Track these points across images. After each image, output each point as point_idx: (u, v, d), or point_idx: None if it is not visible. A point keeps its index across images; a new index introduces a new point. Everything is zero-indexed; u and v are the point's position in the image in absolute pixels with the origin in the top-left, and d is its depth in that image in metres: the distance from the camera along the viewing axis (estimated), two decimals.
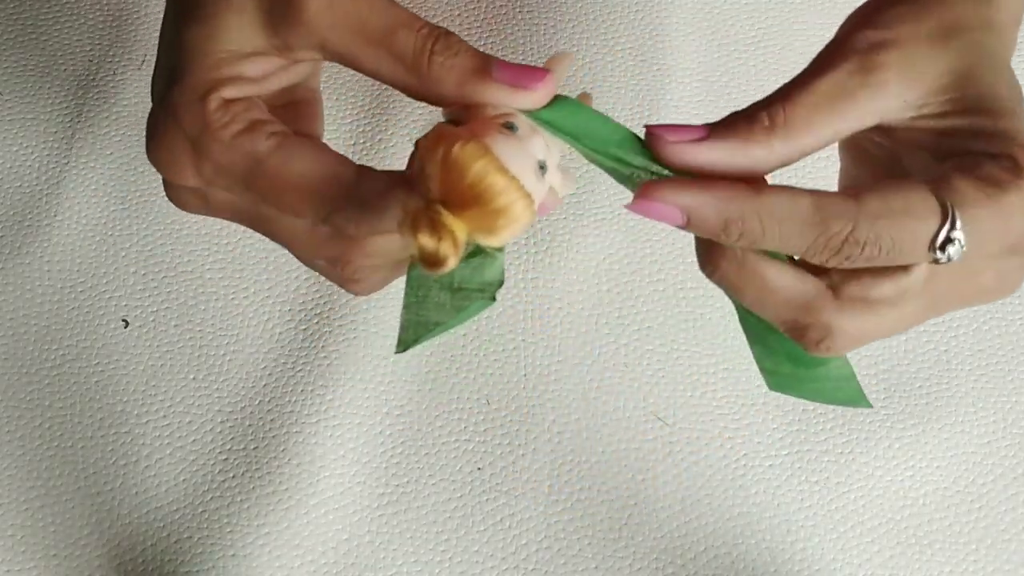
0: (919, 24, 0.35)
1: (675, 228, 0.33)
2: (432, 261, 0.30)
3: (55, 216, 0.56)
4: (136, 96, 0.59)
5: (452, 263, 0.30)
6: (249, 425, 0.51)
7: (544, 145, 0.33)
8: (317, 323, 0.53)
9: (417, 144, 0.31)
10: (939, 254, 0.32)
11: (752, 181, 0.33)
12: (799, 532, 0.49)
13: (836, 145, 0.39)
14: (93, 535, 0.49)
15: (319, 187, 0.35)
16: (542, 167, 0.32)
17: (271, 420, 0.51)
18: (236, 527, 0.48)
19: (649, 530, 0.49)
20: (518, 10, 0.62)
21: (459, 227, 0.30)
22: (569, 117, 0.35)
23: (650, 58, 0.60)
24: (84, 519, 0.49)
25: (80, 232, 0.55)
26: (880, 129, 0.35)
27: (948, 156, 0.34)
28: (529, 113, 0.34)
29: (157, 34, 0.60)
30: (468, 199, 0.30)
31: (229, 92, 0.35)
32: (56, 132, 0.58)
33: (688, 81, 0.60)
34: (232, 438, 0.51)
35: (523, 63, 0.34)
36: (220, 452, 0.50)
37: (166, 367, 0.52)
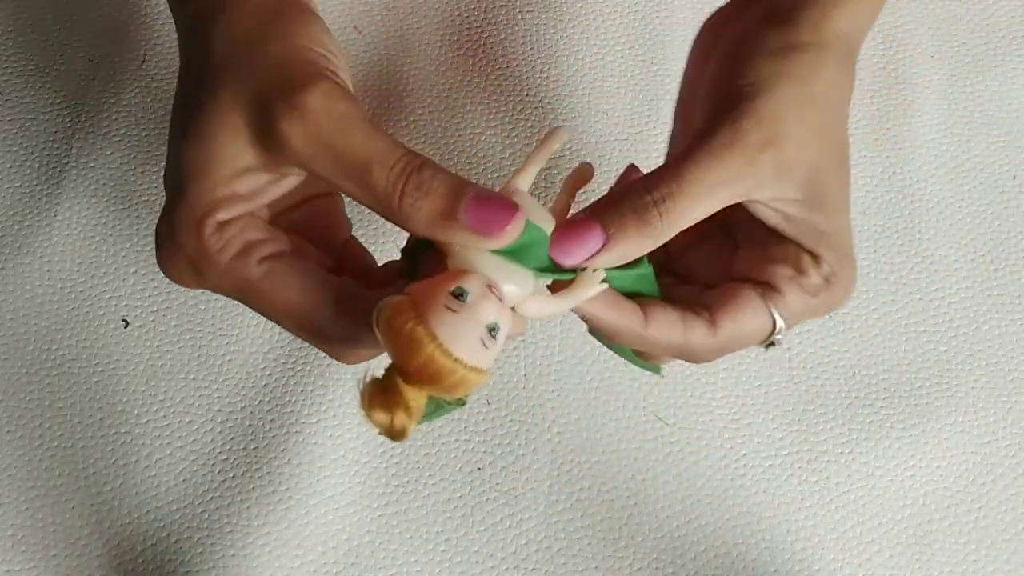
0: (802, 88, 0.38)
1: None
2: (389, 434, 0.33)
3: (55, 216, 0.56)
4: (136, 96, 0.59)
5: (408, 430, 0.33)
6: (249, 425, 0.51)
7: (496, 308, 0.34)
8: None
9: (376, 312, 0.34)
10: (762, 347, 0.41)
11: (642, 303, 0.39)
12: (799, 532, 0.49)
13: None
14: (93, 535, 0.49)
15: (300, 318, 0.38)
16: (492, 331, 0.34)
17: (271, 420, 0.51)
18: (236, 527, 0.48)
19: (649, 530, 0.49)
20: (518, 10, 0.62)
21: (415, 396, 0.33)
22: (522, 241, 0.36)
23: (650, 58, 0.60)
24: (84, 519, 0.49)
25: (80, 232, 0.55)
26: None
27: (780, 239, 0.39)
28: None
29: (157, 34, 0.61)
30: (422, 377, 0.33)
31: (224, 214, 0.38)
32: (56, 132, 0.58)
33: None
34: (232, 438, 0.51)
35: (495, 195, 0.36)
36: (220, 452, 0.50)
37: (166, 367, 0.52)
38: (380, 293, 0.36)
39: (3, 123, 0.59)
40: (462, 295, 0.33)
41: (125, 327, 0.53)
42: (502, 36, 0.61)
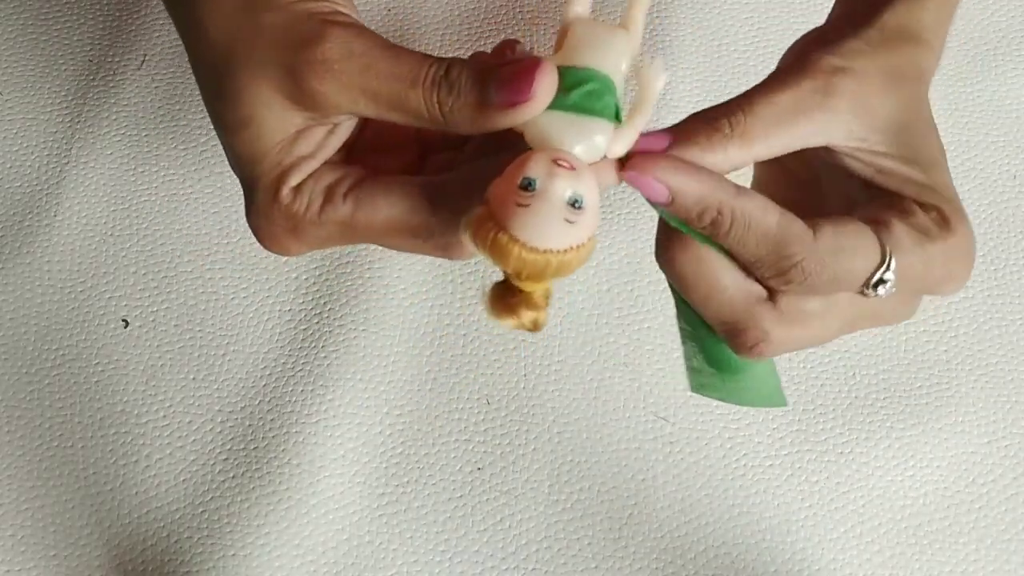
0: (874, 62, 0.37)
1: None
2: (528, 330, 0.34)
3: (55, 216, 0.56)
4: (136, 96, 0.59)
5: (541, 322, 0.34)
6: (249, 425, 0.51)
7: (568, 181, 0.33)
8: (317, 323, 0.53)
9: (462, 228, 0.34)
10: (869, 291, 0.35)
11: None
12: (799, 532, 0.49)
13: None
14: (93, 535, 0.49)
15: (405, 228, 0.38)
16: (575, 203, 0.33)
17: (271, 420, 0.51)
18: (236, 527, 0.48)
19: (649, 530, 0.49)
20: (518, 10, 0.62)
21: (532, 290, 0.34)
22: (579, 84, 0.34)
23: (650, 58, 0.60)
24: (84, 519, 0.49)
25: (80, 232, 0.55)
26: (816, 150, 0.37)
27: (879, 193, 0.36)
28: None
29: (157, 34, 0.61)
30: (526, 276, 0.33)
31: (295, 179, 0.39)
32: (56, 132, 0.58)
33: (688, 81, 0.60)
34: (232, 438, 0.51)
35: (518, 64, 0.34)
36: (220, 452, 0.50)
37: (166, 367, 0.52)
38: (464, 176, 0.37)
39: (3, 123, 0.59)
40: (529, 185, 0.33)
41: (125, 327, 0.53)
42: (502, 36, 0.61)
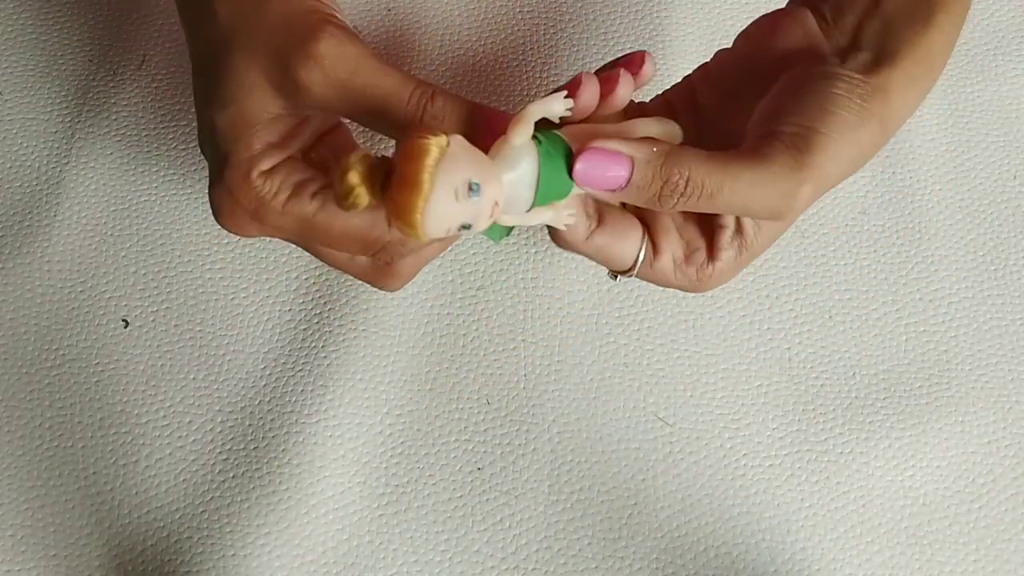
0: (852, 137, 0.40)
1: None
2: (343, 196, 0.36)
3: (55, 216, 0.56)
4: (136, 96, 0.59)
5: (355, 200, 0.35)
6: (249, 425, 0.51)
7: (483, 218, 0.36)
8: (317, 323, 0.53)
9: (414, 137, 0.35)
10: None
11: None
12: (799, 532, 0.49)
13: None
14: (93, 535, 0.49)
15: (360, 237, 0.42)
16: (463, 227, 0.36)
17: (271, 420, 0.51)
18: (236, 527, 0.48)
19: (649, 530, 0.49)
20: (518, 10, 0.62)
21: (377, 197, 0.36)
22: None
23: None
24: (84, 519, 0.49)
25: (80, 232, 0.55)
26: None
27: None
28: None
29: (157, 34, 0.61)
30: (392, 208, 0.35)
31: (267, 163, 0.42)
32: (56, 132, 0.58)
33: None
34: (232, 438, 0.51)
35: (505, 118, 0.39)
36: (220, 452, 0.50)
37: (166, 367, 0.52)
38: None
39: (3, 123, 0.59)
40: (474, 190, 0.35)
41: (125, 327, 0.53)
42: (502, 36, 0.61)
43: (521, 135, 0.37)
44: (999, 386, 0.52)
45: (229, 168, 0.42)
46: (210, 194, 0.43)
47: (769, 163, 0.38)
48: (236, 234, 0.43)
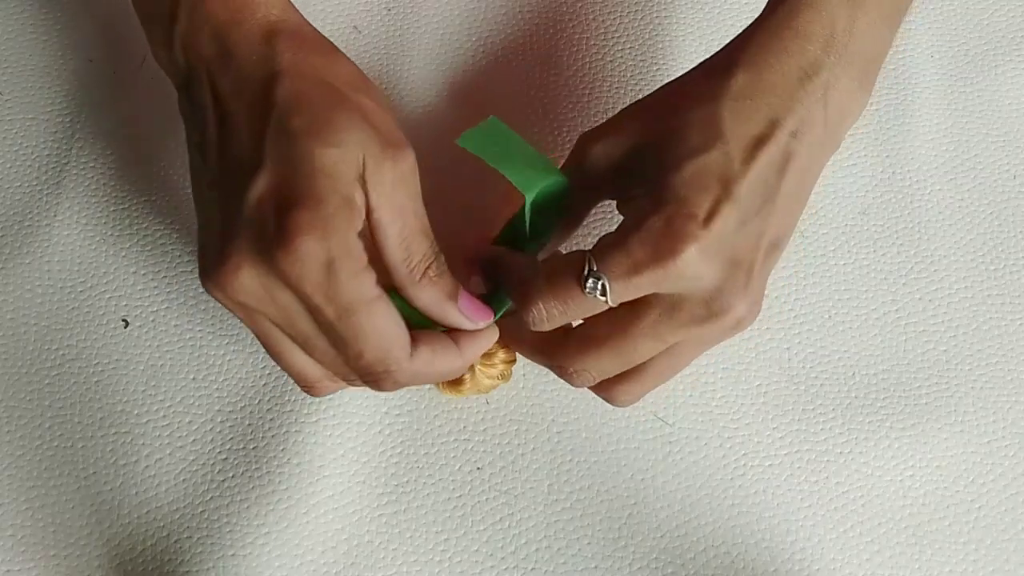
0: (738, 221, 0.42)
1: None
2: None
3: (55, 216, 0.56)
4: (136, 96, 0.59)
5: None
6: (249, 425, 0.51)
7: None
8: None
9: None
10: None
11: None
12: (799, 532, 0.49)
13: None
14: (93, 535, 0.49)
15: (383, 349, 0.41)
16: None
17: (271, 420, 0.51)
18: (236, 527, 0.48)
19: (649, 530, 0.49)
20: (518, 10, 0.62)
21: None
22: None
23: (650, 58, 0.60)
24: (84, 519, 0.49)
25: (80, 232, 0.55)
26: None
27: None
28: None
29: None
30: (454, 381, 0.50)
31: (358, 222, 0.40)
32: (56, 132, 0.58)
33: None
34: (232, 438, 0.51)
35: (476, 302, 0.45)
36: (220, 452, 0.50)
37: (166, 367, 0.52)
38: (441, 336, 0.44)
39: (3, 123, 0.59)
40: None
41: (125, 327, 0.53)
42: (502, 36, 0.61)
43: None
44: (999, 386, 0.52)
45: (326, 205, 0.39)
46: (289, 219, 0.39)
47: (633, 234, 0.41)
48: (290, 272, 0.39)
